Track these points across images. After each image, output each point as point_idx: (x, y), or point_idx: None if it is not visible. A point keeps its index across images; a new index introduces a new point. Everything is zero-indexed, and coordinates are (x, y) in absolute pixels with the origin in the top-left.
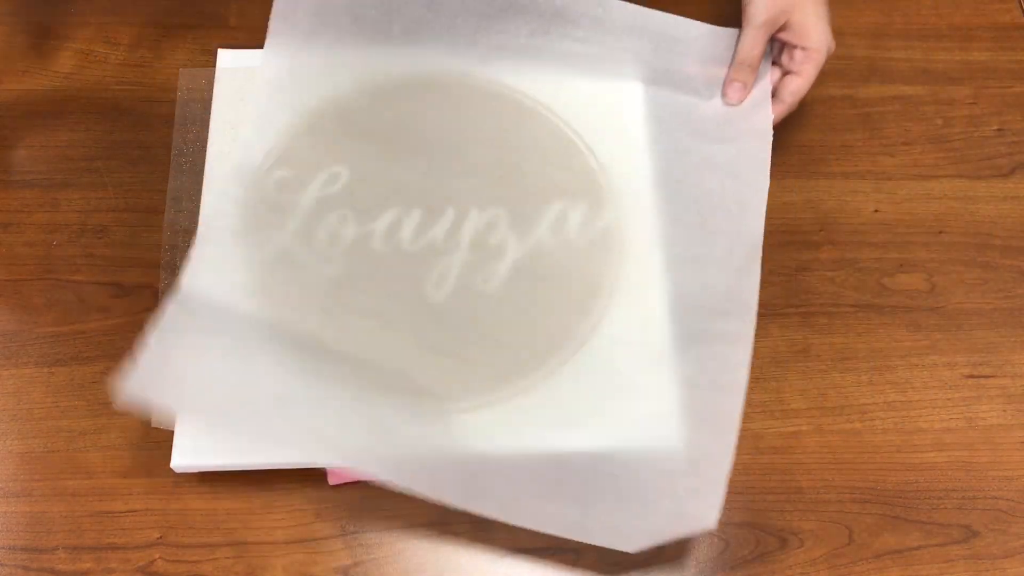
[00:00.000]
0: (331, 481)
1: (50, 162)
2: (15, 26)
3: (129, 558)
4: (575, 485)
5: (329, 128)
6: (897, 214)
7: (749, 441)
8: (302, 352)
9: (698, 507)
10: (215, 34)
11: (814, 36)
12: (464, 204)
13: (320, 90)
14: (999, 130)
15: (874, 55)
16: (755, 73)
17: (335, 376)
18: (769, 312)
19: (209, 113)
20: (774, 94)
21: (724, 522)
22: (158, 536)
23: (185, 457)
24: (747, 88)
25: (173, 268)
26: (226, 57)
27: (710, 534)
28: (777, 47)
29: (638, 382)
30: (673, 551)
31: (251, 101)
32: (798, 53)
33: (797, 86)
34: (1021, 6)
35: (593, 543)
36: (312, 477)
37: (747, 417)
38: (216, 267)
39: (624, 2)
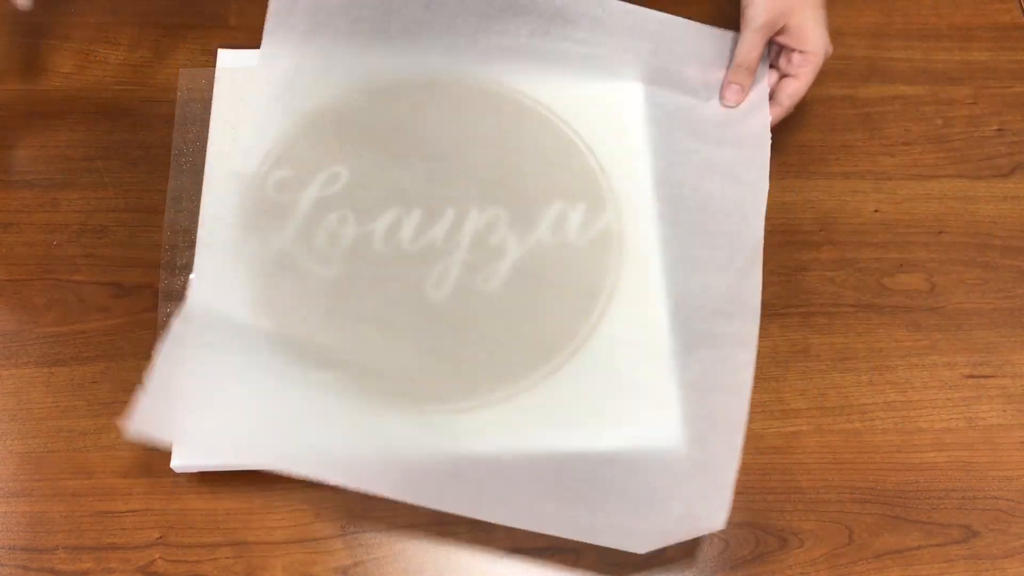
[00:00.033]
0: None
1: (50, 162)
2: (15, 26)
3: (129, 558)
4: (581, 487)
5: (329, 129)
6: (897, 214)
7: (749, 441)
8: (304, 360)
9: (706, 508)
10: (215, 34)
11: (812, 40)
12: (464, 204)
13: (320, 91)
14: (999, 130)
15: (874, 55)
16: (753, 76)
17: (337, 382)
18: (769, 312)
19: (209, 113)
20: (771, 97)
21: None
22: (158, 536)
23: (185, 457)
24: (745, 90)
25: (173, 268)
26: (226, 57)
27: (710, 534)
28: (775, 50)
29: (639, 382)
30: (673, 551)
31: (251, 101)
32: (796, 56)
33: (794, 89)
34: (1021, 6)
35: (602, 545)
36: None
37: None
38: (218, 271)
39: (624, 3)
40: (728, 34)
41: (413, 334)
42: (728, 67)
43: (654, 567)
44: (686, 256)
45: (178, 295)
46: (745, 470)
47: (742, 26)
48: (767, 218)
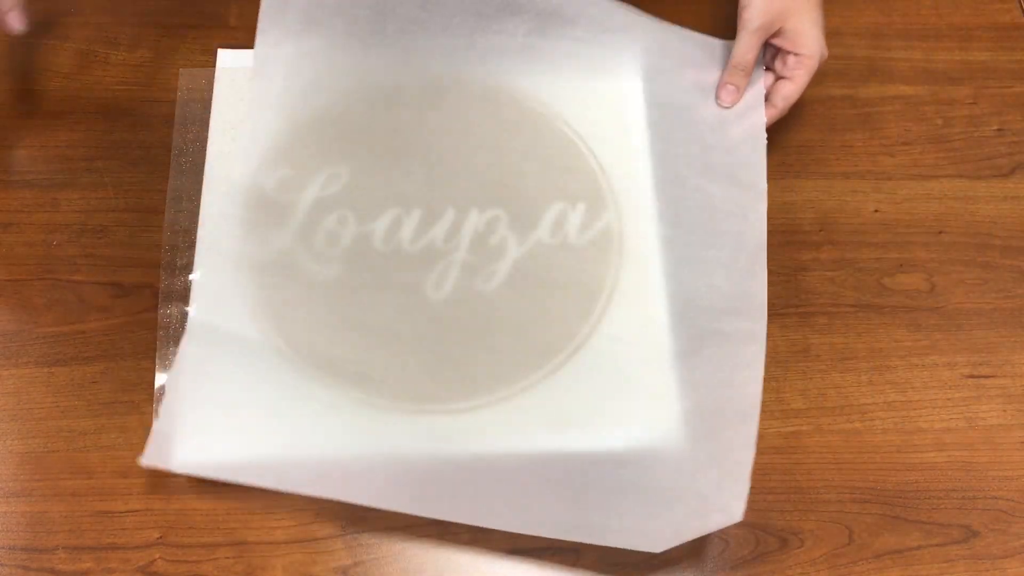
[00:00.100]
0: None
1: (50, 162)
2: None
3: (129, 558)
4: (590, 488)
5: (329, 129)
6: (897, 214)
7: None
8: (304, 360)
9: (722, 500)
10: (215, 34)
11: (808, 42)
12: (464, 204)
13: (319, 91)
14: (999, 130)
15: (874, 55)
16: (748, 77)
17: (337, 383)
18: (769, 312)
19: (209, 113)
20: (766, 99)
21: None
22: (158, 536)
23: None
24: (740, 92)
25: (173, 268)
26: (226, 57)
27: (709, 534)
28: (770, 52)
29: (640, 382)
30: (673, 551)
31: (249, 102)
32: (791, 59)
33: (789, 91)
34: (1021, 6)
35: (616, 546)
36: None
37: None
38: (218, 272)
39: (622, 3)
40: (723, 43)
41: (413, 334)
42: (724, 69)
43: (654, 567)
44: (689, 256)
45: (178, 295)
46: None
47: (739, 27)
48: (767, 218)
